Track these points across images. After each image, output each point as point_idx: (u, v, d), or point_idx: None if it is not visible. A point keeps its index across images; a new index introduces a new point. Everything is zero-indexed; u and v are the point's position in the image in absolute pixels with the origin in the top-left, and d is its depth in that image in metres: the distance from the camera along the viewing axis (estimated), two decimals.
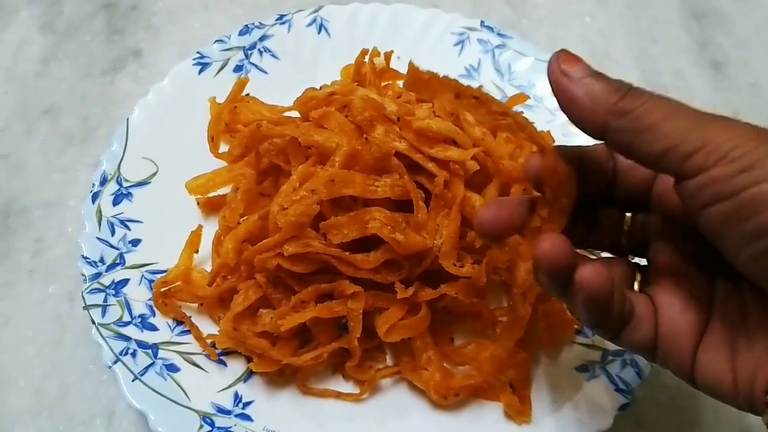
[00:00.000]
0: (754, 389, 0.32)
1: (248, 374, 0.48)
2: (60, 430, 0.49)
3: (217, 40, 0.61)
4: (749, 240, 0.29)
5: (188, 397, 0.46)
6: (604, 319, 0.35)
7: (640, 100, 0.31)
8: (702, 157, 0.29)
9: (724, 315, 0.34)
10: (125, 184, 0.53)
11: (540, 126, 0.45)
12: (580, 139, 0.36)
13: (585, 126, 0.33)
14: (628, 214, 0.38)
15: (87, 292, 0.48)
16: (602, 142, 0.33)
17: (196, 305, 0.50)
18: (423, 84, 0.36)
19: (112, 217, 0.52)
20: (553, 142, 0.53)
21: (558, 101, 0.33)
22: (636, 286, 0.38)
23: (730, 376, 0.33)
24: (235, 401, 0.47)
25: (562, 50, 0.34)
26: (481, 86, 0.54)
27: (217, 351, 0.48)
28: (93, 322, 0.47)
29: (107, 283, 0.49)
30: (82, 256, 0.49)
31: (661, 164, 0.31)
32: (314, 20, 0.64)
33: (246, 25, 0.62)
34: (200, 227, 0.50)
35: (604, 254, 0.41)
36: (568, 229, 0.36)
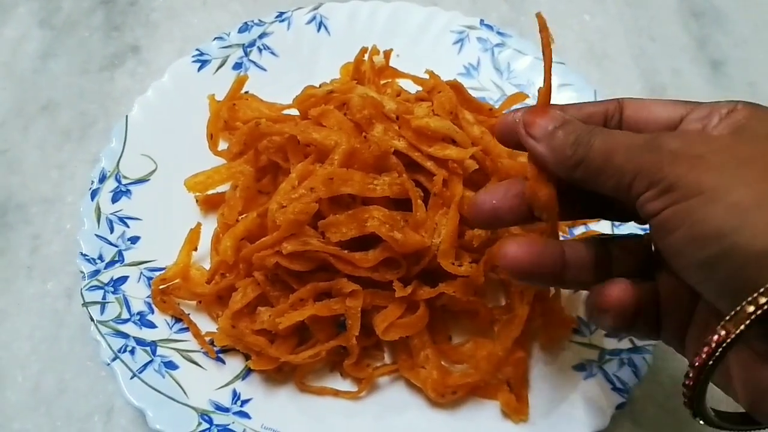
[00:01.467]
0: None
1: (246, 372, 0.48)
2: (57, 426, 0.49)
3: (216, 38, 0.61)
4: (673, 254, 0.31)
5: (186, 395, 0.46)
6: (628, 329, 0.37)
7: (587, 146, 0.34)
8: (637, 184, 0.32)
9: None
10: (124, 182, 0.53)
11: None
12: None
13: (557, 174, 0.36)
14: None
15: (86, 289, 0.48)
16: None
17: (194, 303, 0.50)
18: None
19: (111, 214, 0.51)
20: None
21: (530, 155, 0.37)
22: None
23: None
24: (233, 399, 0.47)
25: (526, 111, 0.37)
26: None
27: (215, 348, 0.48)
28: (92, 319, 0.47)
29: (106, 281, 0.49)
30: (81, 253, 0.49)
31: (620, 196, 0.33)
32: (314, 18, 0.64)
33: (245, 23, 0.62)
34: (199, 225, 0.50)
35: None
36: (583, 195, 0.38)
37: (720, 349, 0.28)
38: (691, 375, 0.30)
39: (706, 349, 0.29)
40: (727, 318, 0.28)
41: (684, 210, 0.30)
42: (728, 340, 0.28)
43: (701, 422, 0.32)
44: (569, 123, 0.36)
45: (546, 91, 0.37)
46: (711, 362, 0.29)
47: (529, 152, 0.37)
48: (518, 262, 0.37)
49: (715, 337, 0.28)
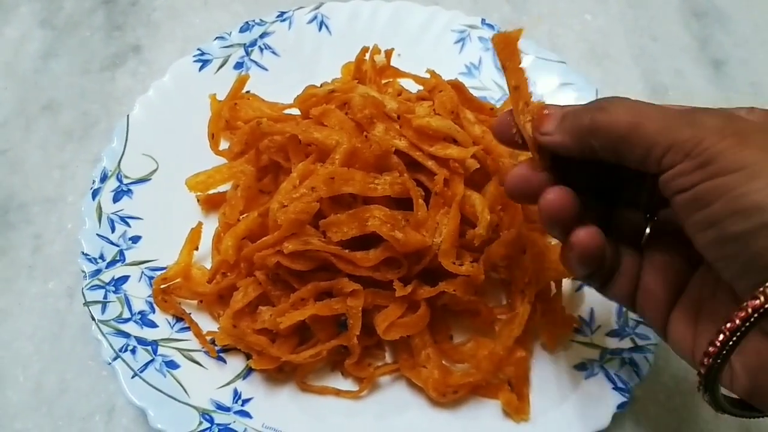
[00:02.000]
0: None
1: (247, 371, 0.48)
2: (59, 425, 0.49)
3: (217, 37, 0.61)
4: (702, 228, 0.32)
5: (188, 394, 0.46)
6: (593, 274, 0.38)
7: (608, 112, 0.34)
8: (671, 156, 0.32)
9: (701, 284, 0.37)
10: (125, 181, 0.53)
11: None
12: None
13: (583, 157, 0.36)
14: None
15: (87, 289, 0.48)
16: None
17: (195, 302, 0.50)
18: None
19: (112, 213, 0.52)
20: None
21: (551, 153, 0.37)
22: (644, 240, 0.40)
23: (691, 341, 0.36)
24: (234, 398, 0.47)
25: (534, 122, 0.37)
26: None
27: (216, 348, 0.48)
28: (93, 319, 0.47)
29: (107, 280, 0.49)
30: (83, 252, 0.49)
31: (645, 167, 0.33)
32: (315, 17, 0.64)
33: (246, 22, 0.62)
34: (200, 224, 0.50)
35: None
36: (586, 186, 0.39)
37: (756, 315, 0.29)
38: (718, 343, 0.30)
39: (742, 314, 0.29)
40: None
41: (723, 184, 0.30)
42: (765, 307, 0.29)
43: (706, 400, 0.33)
44: (572, 108, 0.36)
45: (538, 105, 0.38)
46: (743, 328, 0.29)
47: (552, 147, 0.37)
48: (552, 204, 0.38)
49: (755, 302, 0.29)
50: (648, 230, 0.40)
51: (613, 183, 0.40)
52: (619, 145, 0.34)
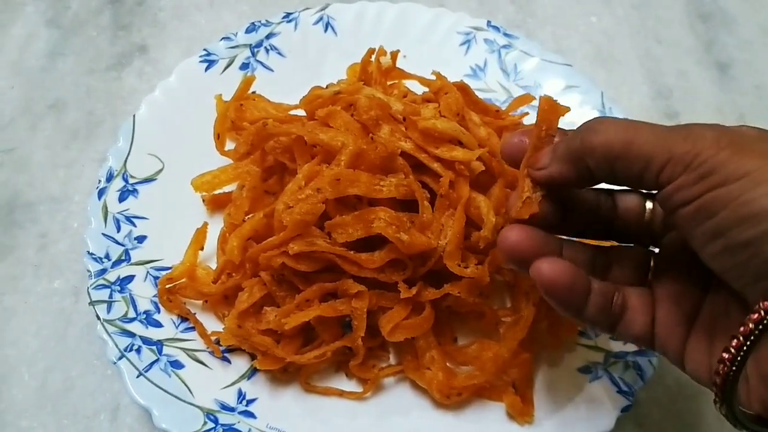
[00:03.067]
0: None
1: (252, 372, 0.48)
2: (64, 424, 0.49)
3: (223, 38, 0.61)
4: (709, 239, 0.32)
5: (192, 394, 0.46)
6: (578, 311, 0.37)
7: (599, 132, 0.34)
8: (670, 170, 0.32)
9: (713, 305, 0.36)
10: (131, 181, 0.53)
11: None
12: None
13: (580, 183, 0.36)
14: (649, 206, 0.40)
15: (92, 288, 0.48)
16: None
17: (200, 302, 0.50)
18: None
19: (117, 213, 0.52)
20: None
21: (550, 186, 0.38)
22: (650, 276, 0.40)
23: (708, 363, 0.35)
24: (238, 398, 0.47)
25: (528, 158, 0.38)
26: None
27: (221, 348, 0.48)
28: (98, 318, 0.47)
29: (113, 280, 0.49)
30: (88, 252, 0.49)
31: (643, 184, 0.34)
32: (321, 18, 0.64)
33: (252, 23, 0.62)
34: (205, 224, 0.51)
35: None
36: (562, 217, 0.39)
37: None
38: (732, 349, 0.30)
39: (755, 316, 0.29)
40: None
41: (727, 192, 0.30)
42: None
43: (723, 413, 0.32)
44: (562, 138, 0.37)
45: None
46: (757, 331, 0.29)
47: (549, 182, 0.37)
48: (517, 247, 0.38)
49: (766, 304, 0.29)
50: (653, 262, 0.40)
51: (606, 224, 0.40)
52: (615, 162, 0.34)
